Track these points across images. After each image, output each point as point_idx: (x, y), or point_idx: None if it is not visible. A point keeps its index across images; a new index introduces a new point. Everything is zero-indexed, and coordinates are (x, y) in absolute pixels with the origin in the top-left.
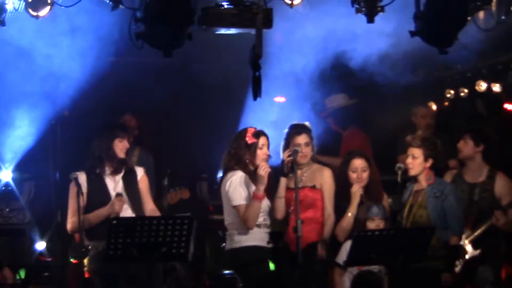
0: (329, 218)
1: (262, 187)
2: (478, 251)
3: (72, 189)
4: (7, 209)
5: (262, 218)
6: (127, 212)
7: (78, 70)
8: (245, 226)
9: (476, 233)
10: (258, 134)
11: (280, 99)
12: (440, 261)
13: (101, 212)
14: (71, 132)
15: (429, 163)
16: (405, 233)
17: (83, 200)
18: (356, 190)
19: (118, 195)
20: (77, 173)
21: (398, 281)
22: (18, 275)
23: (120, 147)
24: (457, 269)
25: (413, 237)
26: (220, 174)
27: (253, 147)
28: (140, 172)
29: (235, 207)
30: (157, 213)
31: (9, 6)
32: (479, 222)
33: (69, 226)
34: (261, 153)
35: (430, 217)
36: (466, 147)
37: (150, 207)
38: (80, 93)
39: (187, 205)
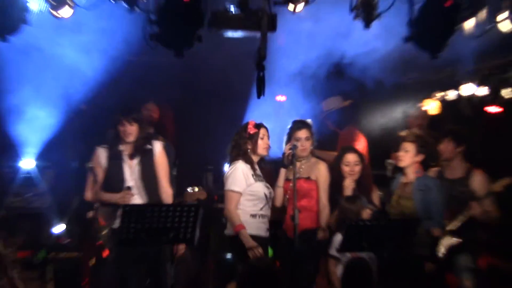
0: (325, 209)
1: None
2: (458, 240)
3: (90, 177)
4: (29, 194)
5: (258, 208)
6: (138, 199)
7: (95, 68)
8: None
9: (456, 224)
10: (259, 125)
11: (281, 98)
12: (425, 248)
13: (112, 198)
14: (88, 124)
15: (419, 158)
16: (393, 224)
17: (102, 177)
18: (349, 184)
19: (128, 188)
20: (100, 148)
21: (387, 267)
22: (38, 255)
23: (122, 131)
24: (440, 256)
25: (400, 227)
26: (226, 167)
27: (254, 137)
28: (157, 148)
29: (226, 191)
30: (169, 196)
31: (33, 7)
32: (458, 214)
33: (87, 197)
34: (262, 143)
35: (415, 209)
36: (448, 149)
37: (164, 190)
38: (96, 89)
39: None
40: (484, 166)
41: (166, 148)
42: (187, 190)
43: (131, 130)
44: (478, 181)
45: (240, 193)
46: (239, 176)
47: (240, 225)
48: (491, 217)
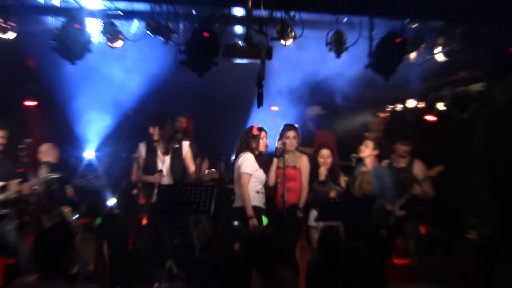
0: (304, 190)
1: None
2: (403, 213)
3: (134, 164)
4: (90, 177)
5: (260, 187)
6: (167, 180)
7: (138, 85)
8: (240, 190)
9: (402, 201)
10: (261, 129)
11: (274, 107)
12: (380, 220)
13: (149, 178)
14: (134, 126)
15: (375, 152)
16: (356, 200)
17: (142, 164)
18: (322, 171)
19: (160, 171)
20: (141, 144)
21: (351, 232)
22: (96, 221)
23: (151, 132)
24: (391, 224)
25: (360, 203)
26: (233, 157)
27: (257, 137)
28: (185, 147)
29: (241, 174)
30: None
31: (94, 39)
32: (404, 193)
33: (132, 179)
34: (262, 142)
35: (374, 191)
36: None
37: (190, 169)
38: (140, 100)
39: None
40: (423, 157)
41: (191, 146)
42: (205, 172)
43: (154, 132)
44: (418, 169)
45: (251, 175)
46: (250, 163)
47: (252, 214)
48: (428, 196)
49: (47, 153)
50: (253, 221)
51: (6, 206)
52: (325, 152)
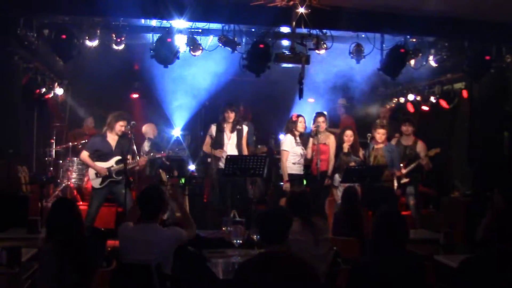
0: (331, 161)
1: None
2: (408, 179)
3: (207, 138)
4: (177, 149)
5: (298, 159)
6: (233, 151)
7: (211, 82)
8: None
9: (408, 169)
10: (299, 116)
11: (311, 99)
12: (390, 183)
13: (215, 152)
14: (209, 112)
15: (385, 135)
16: (371, 168)
17: (213, 140)
18: (346, 146)
19: (222, 149)
20: (212, 125)
21: (367, 192)
22: (181, 181)
23: (226, 116)
24: (396, 187)
25: (374, 170)
26: (282, 136)
27: (296, 122)
28: (245, 129)
29: (281, 150)
30: (246, 152)
31: (181, 49)
32: (408, 164)
33: (204, 150)
34: (300, 125)
35: (386, 162)
36: (408, 129)
37: (244, 149)
38: (212, 93)
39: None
40: (419, 137)
41: (250, 128)
42: (257, 147)
43: (231, 115)
44: (420, 147)
45: (288, 151)
46: (288, 142)
47: (286, 179)
48: (427, 167)
49: (148, 131)
50: (286, 185)
51: (121, 174)
52: (348, 132)
